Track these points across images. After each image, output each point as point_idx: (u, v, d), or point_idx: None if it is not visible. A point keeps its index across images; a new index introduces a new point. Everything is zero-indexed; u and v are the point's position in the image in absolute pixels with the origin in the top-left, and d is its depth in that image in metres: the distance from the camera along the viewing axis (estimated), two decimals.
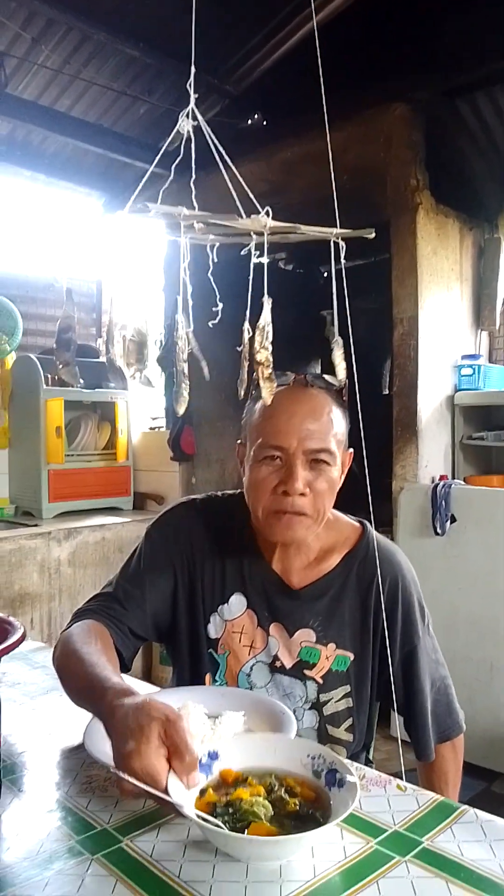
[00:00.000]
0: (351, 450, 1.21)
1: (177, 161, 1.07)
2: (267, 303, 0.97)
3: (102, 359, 4.20)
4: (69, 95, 3.36)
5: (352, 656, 1.21)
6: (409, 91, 2.93)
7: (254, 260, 1.01)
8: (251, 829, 0.76)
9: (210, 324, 1.08)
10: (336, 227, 1.11)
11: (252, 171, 1.08)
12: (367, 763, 1.31)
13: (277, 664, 1.20)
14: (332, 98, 1.22)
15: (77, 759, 1.00)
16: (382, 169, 2.98)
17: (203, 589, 1.24)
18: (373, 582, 1.21)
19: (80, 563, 3.38)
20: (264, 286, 0.98)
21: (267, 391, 1.00)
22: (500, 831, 0.81)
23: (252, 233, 1.00)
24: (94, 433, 3.93)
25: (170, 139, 1.06)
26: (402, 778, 0.95)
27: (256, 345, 0.97)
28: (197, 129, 1.11)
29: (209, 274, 1.01)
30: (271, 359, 0.97)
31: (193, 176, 1.05)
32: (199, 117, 1.04)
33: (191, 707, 0.99)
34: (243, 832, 0.76)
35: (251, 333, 0.98)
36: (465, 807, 0.86)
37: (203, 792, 0.82)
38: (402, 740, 1.24)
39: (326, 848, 0.78)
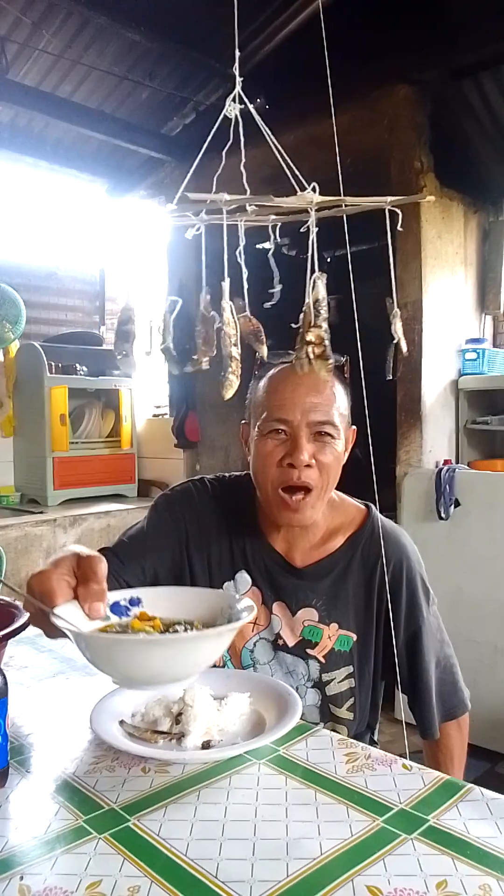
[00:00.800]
0: (354, 427, 1.22)
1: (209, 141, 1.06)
2: (320, 279, 0.95)
3: (106, 346, 4.21)
4: (70, 81, 3.34)
5: (355, 637, 1.21)
6: (414, 72, 2.90)
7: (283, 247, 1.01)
8: None
9: (266, 305, 1.07)
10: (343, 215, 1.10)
11: (255, 156, 1.07)
12: (372, 744, 1.32)
13: (280, 642, 1.21)
14: (335, 80, 1.21)
15: (84, 740, 1.00)
16: (386, 152, 2.95)
17: (210, 564, 1.25)
18: (377, 563, 1.21)
19: None
20: (310, 264, 0.97)
21: (322, 369, 0.97)
22: None
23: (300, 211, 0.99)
24: (98, 421, 3.93)
25: (217, 123, 1.05)
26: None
27: (306, 323, 0.95)
28: (202, 113, 1.10)
29: (269, 255, 1.01)
30: (324, 336, 0.95)
31: (244, 159, 1.04)
32: (246, 101, 1.02)
33: (196, 689, 0.99)
34: None
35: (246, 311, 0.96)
36: (471, 785, 0.86)
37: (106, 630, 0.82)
38: (406, 723, 1.25)
39: (333, 825, 0.79)
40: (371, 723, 1.31)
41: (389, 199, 1.05)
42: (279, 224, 1.06)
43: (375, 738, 1.35)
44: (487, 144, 3.10)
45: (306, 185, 0.99)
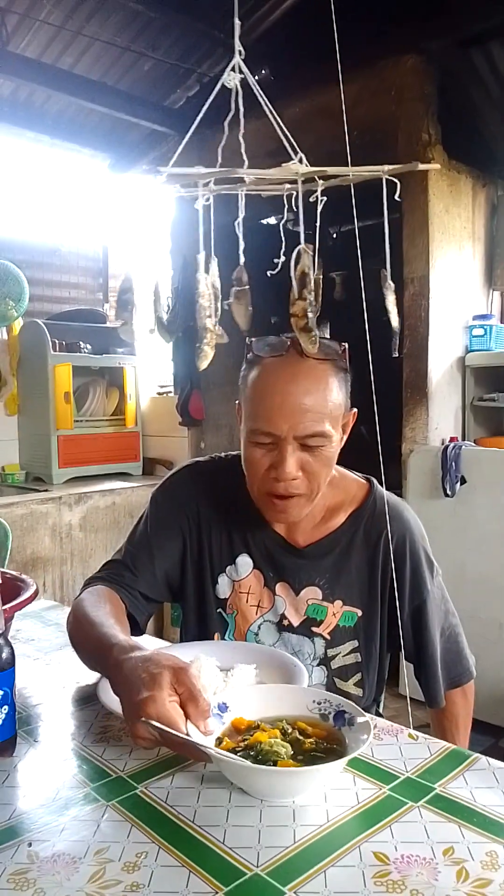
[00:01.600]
0: (354, 410, 1.18)
1: (209, 110, 1.04)
2: (305, 251, 0.93)
3: (110, 324, 4.19)
4: (72, 53, 3.28)
5: (359, 612, 1.21)
6: (421, 41, 2.84)
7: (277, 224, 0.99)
8: (279, 766, 0.78)
9: (269, 273, 1.07)
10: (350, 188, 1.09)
11: (259, 129, 1.05)
12: (377, 717, 1.33)
13: (285, 623, 1.21)
14: (342, 50, 1.18)
15: (91, 710, 1.01)
16: (394, 123, 2.90)
17: (211, 550, 1.25)
18: (380, 538, 1.20)
19: (91, 528, 3.41)
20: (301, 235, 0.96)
21: (307, 343, 0.94)
22: None
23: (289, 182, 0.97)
24: (102, 399, 3.92)
25: (213, 93, 1.03)
26: None
27: (291, 295, 0.93)
28: (206, 84, 1.08)
29: (282, 225, 0.98)
30: (308, 309, 0.93)
31: (242, 129, 1.02)
32: (247, 72, 1.00)
33: (203, 660, 1.00)
34: None
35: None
36: (478, 755, 0.87)
37: (220, 741, 0.84)
38: (410, 698, 1.25)
39: (339, 794, 0.79)
40: (377, 696, 1.31)
41: (387, 167, 1.03)
42: (294, 194, 1.04)
43: (381, 710, 1.36)
44: (497, 116, 3.05)
45: (296, 156, 0.98)
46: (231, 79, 1.07)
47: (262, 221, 3.05)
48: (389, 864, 0.67)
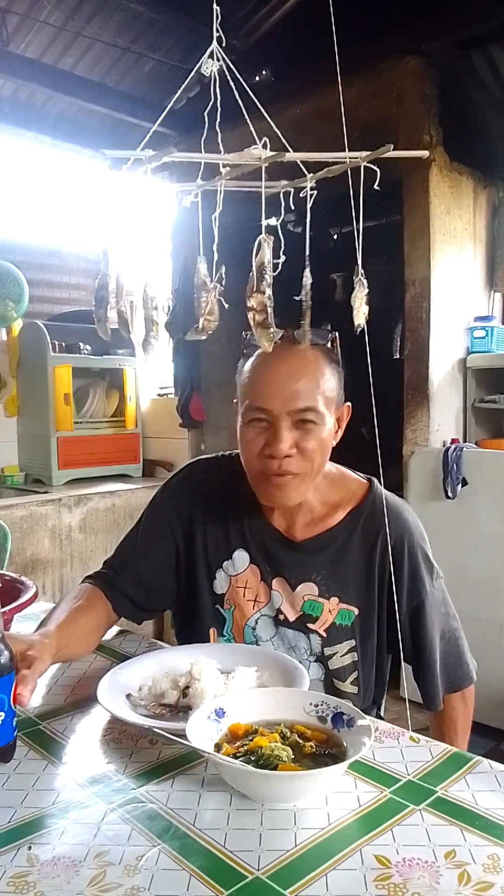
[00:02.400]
0: (348, 403, 1.20)
1: (207, 109, 1.03)
2: (266, 242, 0.91)
3: (110, 325, 4.18)
4: (72, 53, 3.28)
5: (356, 611, 1.21)
6: (422, 43, 2.84)
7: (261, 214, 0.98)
8: (280, 770, 0.78)
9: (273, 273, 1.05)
10: (350, 193, 1.07)
11: (259, 130, 1.05)
12: (378, 719, 1.32)
13: (281, 617, 1.21)
14: (342, 52, 1.18)
15: (91, 713, 1.01)
16: (394, 124, 2.90)
17: (207, 546, 1.26)
18: (378, 538, 1.20)
19: (91, 530, 3.40)
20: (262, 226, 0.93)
21: (263, 338, 0.93)
22: None
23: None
24: (102, 400, 3.92)
25: (186, 82, 1.01)
26: None
27: (249, 288, 0.90)
28: (205, 87, 1.07)
29: (213, 215, 0.97)
30: (267, 303, 0.91)
31: (218, 118, 1.00)
32: (224, 57, 0.98)
33: (203, 663, 0.99)
34: None
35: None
36: (479, 757, 0.86)
37: (218, 747, 0.83)
38: (410, 700, 1.25)
39: (340, 797, 0.79)
40: (377, 698, 1.31)
41: (364, 153, 1.00)
42: (289, 192, 1.03)
43: (382, 713, 1.35)
44: (498, 117, 3.05)
45: (289, 150, 0.96)
46: (209, 66, 1.05)
47: (263, 223, 3.05)
48: (391, 868, 0.67)
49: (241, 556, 1.25)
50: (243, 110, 1.00)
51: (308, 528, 1.23)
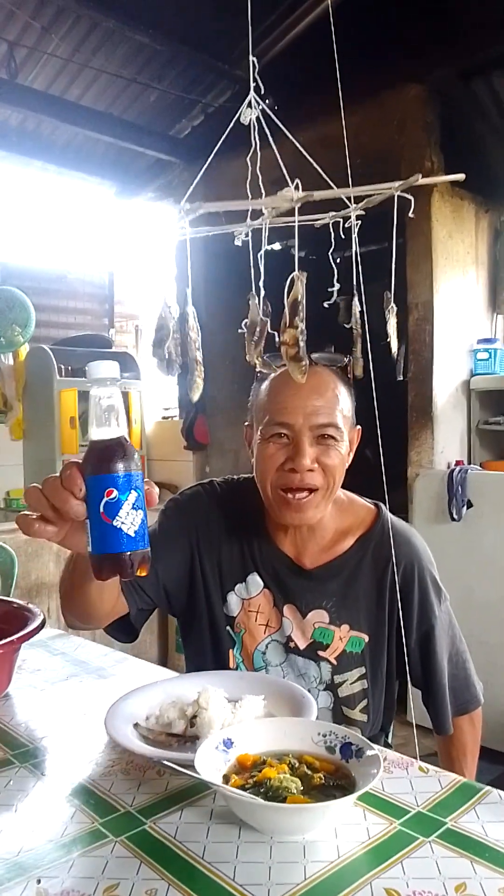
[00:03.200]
0: (359, 427, 1.21)
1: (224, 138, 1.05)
2: (299, 278, 0.94)
3: (115, 349, 4.22)
4: (79, 84, 3.35)
5: (366, 638, 1.21)
6: (424, 72, 2.89)
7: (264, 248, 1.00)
8: (289, 802, 0.77)
9: (325, 304, 1.10)
10: (351, 215, 1.10)
11: (264, 158, 1.07)
12: (386, 746, 1.31)
13: (291, 644, 1.21)
14: (345, 80, 1.21)
15: (99, 743, 1.00)
16: (397, 151, 2.94)
17: (221, 567, 1.25)
18: (388, 564, 1.20)
19: None
20: (296, 263, 0.96)
21: (296, 371, 0.95)
22: None
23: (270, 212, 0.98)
24: None
25: (231, 126, 1.04)
26: None
27: (283, 324, 0.94)
28: (210, 115, 1.10)
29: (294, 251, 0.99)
30: (299, 338, 0.94)
31: (259, 163, 1.03)
32: (264, 105, 1.02)
33: (211, 691, 0.99)
34: None
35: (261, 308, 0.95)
36: (489, 788, 0.85)
37: (227, 778, 0.83)
38: (417, 725, 1.24)
39: (350, 829, 0.78)
40: (385, 725, 1.30)
41: (397, 183, 1.04)
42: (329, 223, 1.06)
43: (390, 740, 1.35)
44: (498, 143, 3.09)
45: (290, 183, 0.98)
46: (248, 115, 1.08)
47: (266, 248, 3.08)
48: None
49: (255, 581, 1.24)
50: (277, 156, 1.03)
51: (318, 555, 1.23)
